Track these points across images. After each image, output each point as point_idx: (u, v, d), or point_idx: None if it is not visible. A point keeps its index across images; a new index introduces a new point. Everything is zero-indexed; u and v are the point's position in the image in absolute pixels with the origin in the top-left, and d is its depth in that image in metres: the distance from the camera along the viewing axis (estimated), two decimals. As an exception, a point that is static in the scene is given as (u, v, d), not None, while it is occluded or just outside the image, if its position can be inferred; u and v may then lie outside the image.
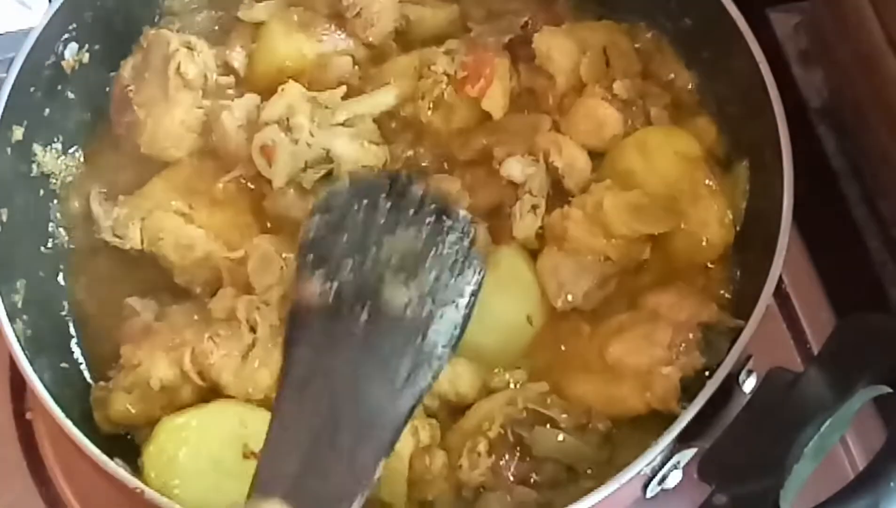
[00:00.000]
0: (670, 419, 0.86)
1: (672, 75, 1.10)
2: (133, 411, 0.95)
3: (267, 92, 1.07)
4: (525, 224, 1.01)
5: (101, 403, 0.96)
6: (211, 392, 0.95)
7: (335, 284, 0.88)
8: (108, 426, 0.96)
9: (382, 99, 1.08)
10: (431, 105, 1.07)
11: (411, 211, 0.92)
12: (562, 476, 0.91)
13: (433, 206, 0.92)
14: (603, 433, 0.92)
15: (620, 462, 0.85)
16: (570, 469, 0.92)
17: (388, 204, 0.92)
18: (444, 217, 0.92)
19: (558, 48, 1.08)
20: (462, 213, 0.94)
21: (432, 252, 0.90)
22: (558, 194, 1.02)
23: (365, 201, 0.92)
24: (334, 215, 0.92)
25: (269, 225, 1.03)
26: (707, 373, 0.91)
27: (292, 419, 0.83)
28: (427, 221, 0.91)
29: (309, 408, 0.83)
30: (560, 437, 0.90)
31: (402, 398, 0.85)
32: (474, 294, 0.91)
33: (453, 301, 0.89)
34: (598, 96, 1.05)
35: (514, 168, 1.03)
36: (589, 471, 0.92)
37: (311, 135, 1.02)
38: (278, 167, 1.02)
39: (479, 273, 0.92)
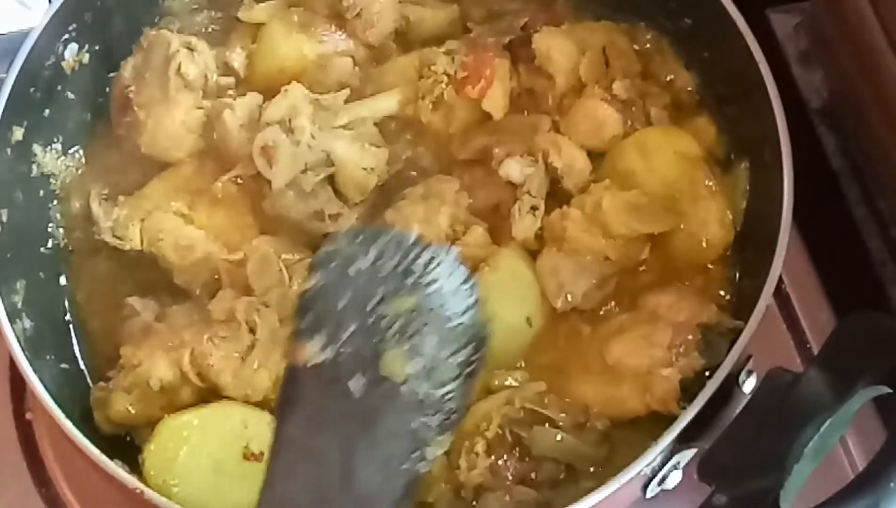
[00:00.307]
0: (670, 419, 0.86)
1: (672, 75, 1.10)
2: (133, 411, 0.95)
3: (267, 93, 1.06)
4: (524, 225, 1.01)
5: (101, 403, 0.96)
6: (210, 393, 0.95)
7: (330, 353, 0.81)
8: (108, 427, 0.96)
9: (385, 103, 1.08)
10: (431, 105, 1.07)
11: (413, 277, 0.85)
12: (561, 475, 0.91)
13: (438, 270, 0.85)
14: (601, 432, 0.92)
15: (620, 463, 0.85)
16: (570, 469, 0.92)
17: (391, 266, 0.85)
18: (450, 284, 0.85)
19: (558, 48, 1.08)
20: (470, 280, 0.87)
21: (433, 324, 0.84)
22: (557, 195, 1.02)
23: (365, 264, 0.85)
24: (333, 277, 0.85)
25: (268, 226, 1.03)
26: (707, 374, 0.91)
27: (280, 503, 0.78)
28: (432, 287, 0.85)
29: (296, 491, 0.78)
30: (558, 436, 0.90)
31: (396, 483, 0.79)
32: (474, 372, 0.84)
33: (453, 379, 0.83)
34: (598, 97, 1.05)
35: (513, 169, 1.03)
36: (588, 470, 0.92)
37: (313, 137, 1.02)
38: (279, 168, 1.02)
39: (480, 347, 0.85)
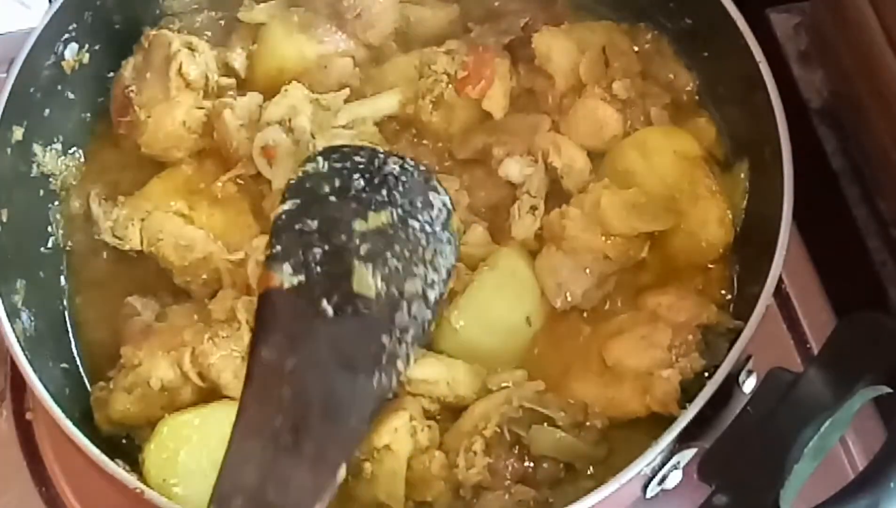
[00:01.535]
0: (670, 419, 0.86)
1: (672, 75, 1.10)
2: (133, 411, 0.95)
3: (267, 93, 1.07)
4: (524, 224, 1.01)
5: (102, 403, 0.96)
6: (211, 393, 0.95)
7: (303, 276, 0.83)
8: (109, 427, 0.96)
9: (385, 103, 1.08)
10: (432, 105, 1.07)
11: (384, 192, 0.88)
12: (560, 474, 0.91)
13: (408, 184, 0.88)
14: (600, 431, 0.92)
15: (620, 463, 0.85)
16: (569, 468, 0.92)
17: (362, 183, 0.88)
18: (420, 196, 0.89)
19: (558, 48, 1.08)
20: (440, 189, 0.90)
21: (404, 238, 0.86)
22: (557, 195, 1.02)
23: (337, 183, 0.88)
24: (305, 199, 0.87)
25: (268, 226, 1.03)
26: (707, 374, 0.91)
27: (253, 426, 0.79)
28: (401, 202, 0.88)
29: (270, 414, 0.79)
30: (557, 435, 0.90)
31: (368, 397, 0.81)
32: (444, 284, 0.87)
33: (422, 294, 0.86)
34: (598, 97, 1.05)
35: (513, 168, 1.03)
36: (588, 470, 0.92)
37: (313, 137, 1.02)
38: (279, 168, 1.02)
39: (452, 261, 0.88)
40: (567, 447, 0.91)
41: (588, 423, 0.92)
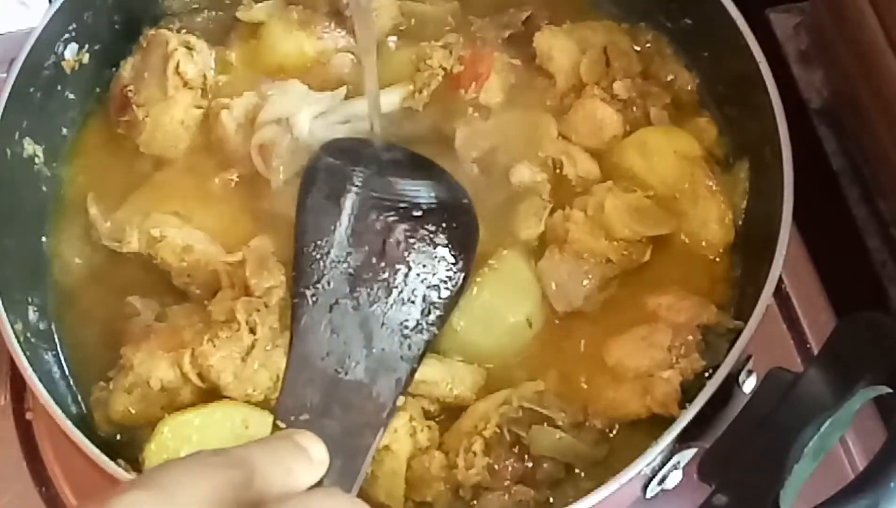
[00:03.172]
0: (670, 419, 0.86)
1: (672, 75, 1.10)
2: (133, 411, 0.94)
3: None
4: (528, 226, 1.01)
5: (101, 403, 0.96)
6: (211, 393, 0.95)
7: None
8: (109, 427, 0.95)
9: (387, 100, 1.08)
10: (429, 100, 1.07)
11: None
12: (560, 474, 0.91)
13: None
14: (600, 431, 0.92)
15: (619, 463, 0.85)
16: (569, 468, 0.92)
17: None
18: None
19: (559, 48, 1.08)
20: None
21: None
22: (558, 196, 1.02)
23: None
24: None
25: (267, 227, 1.03)
26: (707, 375, 0.91)
27: (307, 355, 0.88)
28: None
29: (325, 341, 0.89)
30: (557, 436, 0.90)
31: (412, 344, 0.90)
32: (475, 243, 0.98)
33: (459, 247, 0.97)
34: (598, 97, 1.05)
35: (524, 174, 1.03)
36: (586, 470, 0.92)
37: (311, 134, 1.02)
38: (277, 166, 1.02)
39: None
40: (567, 447, 0.91)
41: (588, 424, 0.92)
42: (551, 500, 0.91)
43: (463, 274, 0.96)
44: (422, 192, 0.99)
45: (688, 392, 0.90)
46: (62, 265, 1.05)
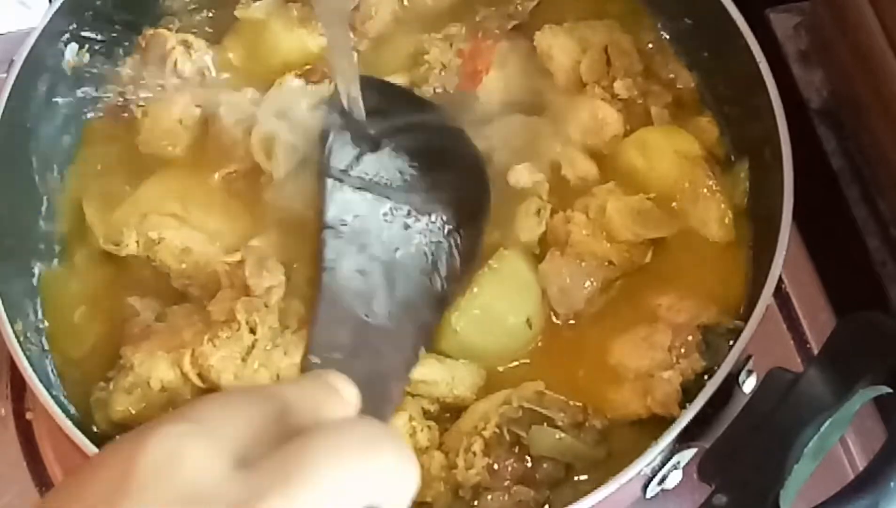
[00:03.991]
0: (670, 419, 0.86)
1: (672, 75, 1.10)
2: (133, 412, 0.94)
3: (268, 88, 1.07)
4: (529, 227, 1.00)
5: (102, 404, 0.96)
6: (210, 393, 0.94)
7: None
8: (109, 427, 0.95)
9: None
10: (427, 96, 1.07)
11: None
12: (560, 474, 0.91)
13: None
14: (599, 431, 0.92)
15: (619, 463, 0.85)
16: (568, 468, 0.92)
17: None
18: None
19: (559, 46, 1.07)
20: None
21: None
22: (559, 197, 1.02)
23: None
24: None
25: (266, 226, 1.03)
26: (707, 375, 0.91)
27: (336, 297, 0.88)
28: None
29: (353, 281, 0.90)
30: (557, 436, 0.90)
31: (433, 295, 0.92)
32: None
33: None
34: (598, 96, 1.05)
35: (523, 176, 1.03)
36: (586, 471, 0.92)
37: (311, 125, 1.02)
38: (278, 160, 1.02)
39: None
40: (567, 447, 0.91)
41: (587, 424, 0.92)
42: (551, 500, 0.90)
43: (475, 231, 0.98)
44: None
45: (688, 393, 0.90)
46: (61, 266, 1.05)
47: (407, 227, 0.97)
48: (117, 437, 0.43)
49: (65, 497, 0.47)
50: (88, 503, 0.45)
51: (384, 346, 0.88)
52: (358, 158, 0.99)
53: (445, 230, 0.98)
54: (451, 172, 1.01)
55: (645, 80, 1.08)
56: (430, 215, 0.98)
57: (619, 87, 1.05)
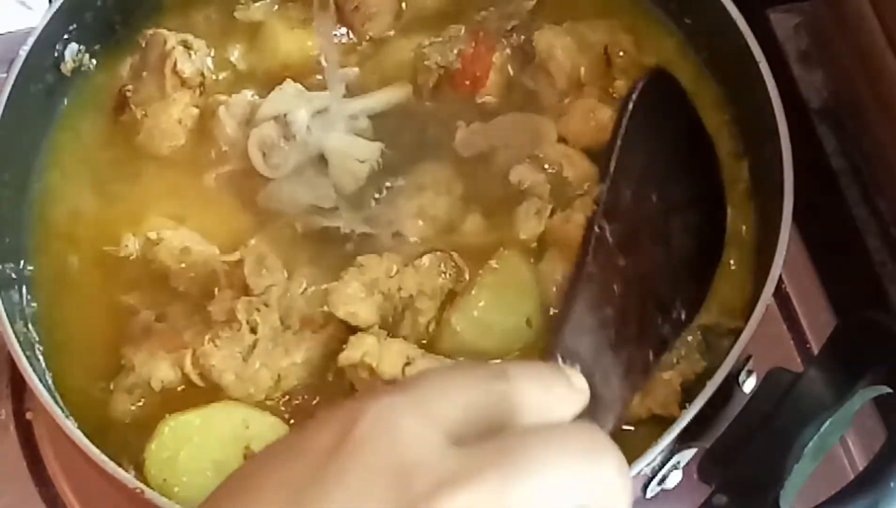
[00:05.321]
0: (670, 419, 0.86)
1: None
2: (133, 412, 0.94)
3: (267, 89, 1.07)
4: (529, 226, 1.00)
5: (102, 404, 0.96)
6: (211, 394, 0.94)
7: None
8: (108, 427, 0.95)
9: (395, 95, 1.07)
10: (428, 99, 1.07)
11: None
12: None
13: None
14: None
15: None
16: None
17: None
18: None
19: (560, 46, 1.07)
20: None
21: None
22: (559, 197, 1.02)
23: None
24: None
25: (264, 226, 1.03)
26: (707, 375, 0.91)
27: (592, 303, 0.83)
28: None
29: (605, 299, 0.83)
30: None
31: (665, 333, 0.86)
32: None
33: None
34: (597, 97, 1.05)
35: (524, 175, 1.03)
36: None
37: (309, 130, 1.02)
38: (274, 162, 1.02)
39: None
40: None
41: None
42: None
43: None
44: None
45: (688, 393, 0.90)
46: (60, 266, 1.05)
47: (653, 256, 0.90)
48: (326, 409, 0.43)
49: (272, 461, 0.46)
50: (297, 467, 0.45)
51: (613, 376, 0.81)
52: None
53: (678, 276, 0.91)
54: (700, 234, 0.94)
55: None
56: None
57: (620, 86, 1.05)
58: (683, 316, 0.89)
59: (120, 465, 0.87)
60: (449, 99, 1.08)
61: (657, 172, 0.92)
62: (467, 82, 1.07)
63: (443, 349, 0.96)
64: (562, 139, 1.05)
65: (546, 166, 1.03)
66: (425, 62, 1.07)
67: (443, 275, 0.98)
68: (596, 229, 0.88)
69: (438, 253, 0.99)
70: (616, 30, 1.10)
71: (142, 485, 0.85)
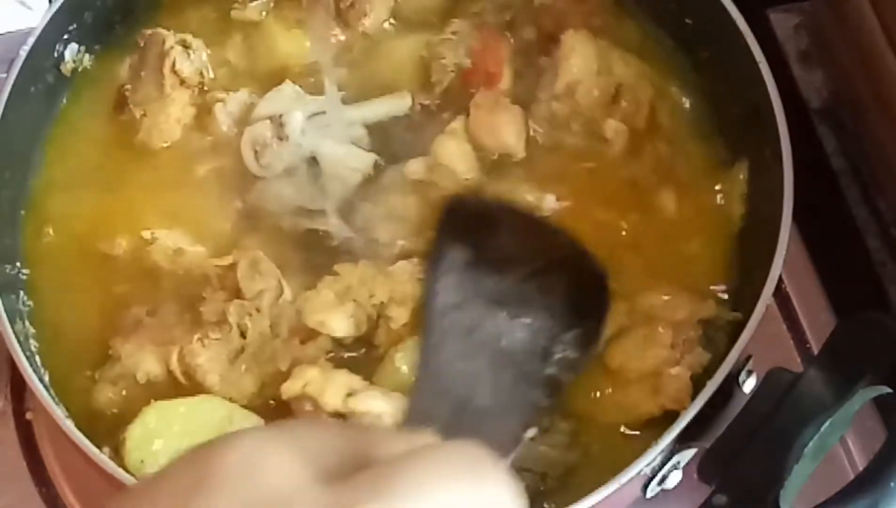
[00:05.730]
0: (670, 419, 0.86)
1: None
2: (114, 402, 0.94)
3: (265, 89, 1.07)
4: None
5: (83, 392, 0.95)
6: (194, 393, 0.94)
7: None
8: (87, 416, 0.94)
9: (397, 105, 1.07)
10: (439, 100, 1.07)
11: None
12: (540, 486, 0.90)
13: None
14: (568, 433, 0.91)
15: (619, 463, 0.85)
16: (569, 472, 0.91)
17: None
18: None
19: (582, 54, 1.03)
20: None
21: None
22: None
23: None
24: None
25: (259, 229, 1.03)
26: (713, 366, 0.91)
27: (446, 355, 0.79)
28: None
29: (457, 365, 0.79)
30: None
31: (537, 392, 0.80)
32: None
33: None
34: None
35: None
36: (559, 479, 0.90)
37: (303, 133, 1.03)
38: (265, 161, 1.02)
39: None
40: (537, 456, 0.89)
41: (552, 427, 0.90)
42: (546, 505, 0.90)
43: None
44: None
45: (697, 385, 0.90)
46: (56, 264, 1.05)
47: (515, 317, 0.83)
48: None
49: (137, 497, 0.45)
50: (162, 503, 0.43)
51: (486, 426, 0.77)
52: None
53: (555, 329, 0.83)
54: (570, 286, 0.84)
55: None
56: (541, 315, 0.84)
57: (609, 127, 1.02)
58: (574, 354, 0.82)
59: (104, 452, 0.87)
60: (460, 101, 1.06)
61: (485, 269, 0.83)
62: (481, 79, 1.05)
63: (385, 385, 0.93)
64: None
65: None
66: (442, 60, 1.06)
67: (416, 281, 0.95)
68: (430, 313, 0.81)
69: (414, 260, 0.97)
70: (644, 75, 1.06)
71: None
